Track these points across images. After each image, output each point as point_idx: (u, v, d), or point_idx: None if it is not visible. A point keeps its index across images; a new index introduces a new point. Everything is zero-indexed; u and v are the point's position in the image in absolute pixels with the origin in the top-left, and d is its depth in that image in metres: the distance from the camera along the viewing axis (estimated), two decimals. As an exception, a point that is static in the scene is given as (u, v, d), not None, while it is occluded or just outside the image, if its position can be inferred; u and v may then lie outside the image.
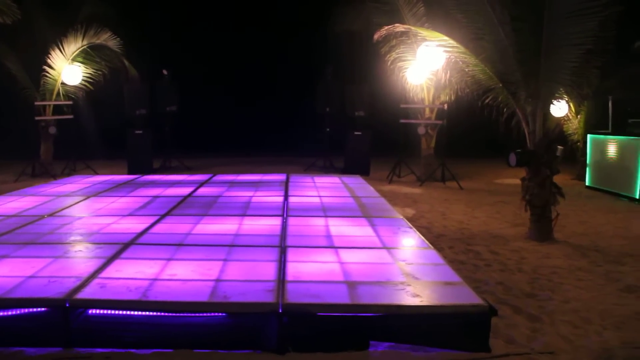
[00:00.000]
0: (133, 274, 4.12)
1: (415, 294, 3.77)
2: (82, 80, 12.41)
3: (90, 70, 12.55)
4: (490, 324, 3.61)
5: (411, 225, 6.05)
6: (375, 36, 9.41)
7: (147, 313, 3.56)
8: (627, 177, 10.03)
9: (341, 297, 3.70)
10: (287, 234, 5.51)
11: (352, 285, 3.92)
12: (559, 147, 7.04)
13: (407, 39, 11.27)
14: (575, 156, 13.25)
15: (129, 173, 12.16)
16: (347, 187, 8.77)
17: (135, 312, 3.56)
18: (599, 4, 6.03)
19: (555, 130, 7.45)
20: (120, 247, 4.89)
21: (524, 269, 5.56)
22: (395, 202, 8.87)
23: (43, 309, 3.56)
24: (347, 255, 4.72)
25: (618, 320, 4.19)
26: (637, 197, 9.71)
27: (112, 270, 4.23)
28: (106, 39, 12.09)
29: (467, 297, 3.75)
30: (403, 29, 9.10)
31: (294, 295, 3.68)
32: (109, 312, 3.56)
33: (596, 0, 6.03)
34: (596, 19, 6.13)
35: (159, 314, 3.56)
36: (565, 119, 12.70)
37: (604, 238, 7.03)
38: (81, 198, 7.66)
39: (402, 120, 12.51)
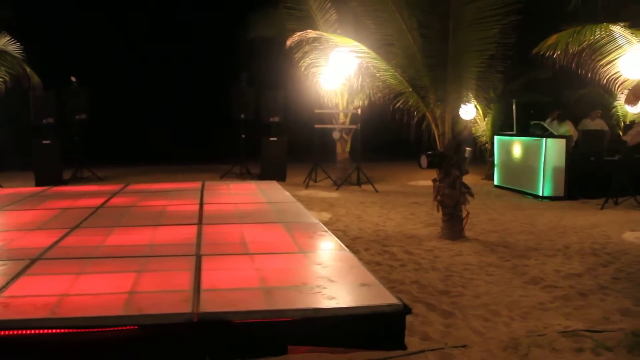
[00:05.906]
0: (40, 291, 3.92)
1: (331, 296, 3.80)
2: (-19, 87, 11.74)
3: (-11, 77, 11.88)
4: (405, 322, 3.70)
5: (327, 229, 6.08)
6: (288, 42, 9.45)
7: (57, 331, 3.40)
8: (531, 176, 10.58)
9: (257, 303, 3.68)
10: (202, 242, 5.43)
11: (268, 291, 3.91)
12: (467, 148, 7.33)
13: (320, 44, 11.35)
14: (484, 157, 13.85)
15: (37, 185, 11.61)
16: (263, 193, 8.73)
17: (44, 331, 3.39)
18: (499, 13, 6.34)
19: (464, 132, 7.75)
20: (26, 263, 4.64)
21: (438, 267, 5.75)
22: (311, 207, 8.95)
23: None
24: (263, 261, 4.70)
25: (524, 310, 4.43)
26: (540, 194, 10.25)
27: (17, 288, 4.01)
28: (5, 43, 11.48)
29: (382, 297, 3.82)
30: (315, 35, 9.19)
31: (210, 304, 3.62)
32: (14, 332, 3.37)
33: (496, 10, 6.33)
34: (497, 27, 6.45)
35: (69, 331, 3.41)
36: (473, 121, 13.24)
37: (511, 234, 7.37)
38: (-17, 213, 7.24)
39: (316, 126, 12.65)
